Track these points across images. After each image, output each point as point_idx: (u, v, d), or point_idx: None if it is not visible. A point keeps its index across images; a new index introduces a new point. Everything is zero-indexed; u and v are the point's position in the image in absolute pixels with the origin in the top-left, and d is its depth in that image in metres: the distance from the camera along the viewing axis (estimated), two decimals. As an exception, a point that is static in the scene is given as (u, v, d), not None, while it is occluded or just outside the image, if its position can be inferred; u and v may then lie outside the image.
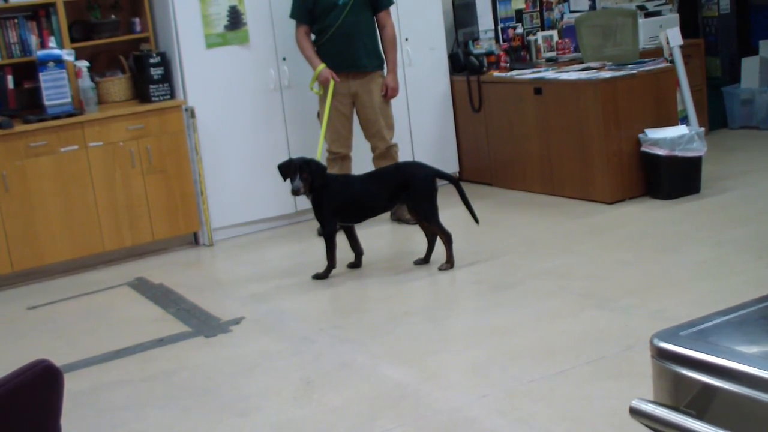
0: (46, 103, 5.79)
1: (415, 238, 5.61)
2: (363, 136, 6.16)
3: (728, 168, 6.65)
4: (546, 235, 5.65)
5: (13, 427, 2.04)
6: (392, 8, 6.13)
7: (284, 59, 6.39)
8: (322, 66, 5.93)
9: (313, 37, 6.05)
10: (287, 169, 5.14)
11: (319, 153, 5.71)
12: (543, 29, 7.74)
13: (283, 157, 5.85)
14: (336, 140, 6.06)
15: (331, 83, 5.90)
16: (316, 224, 5.79)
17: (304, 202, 6.44)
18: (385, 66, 6.09)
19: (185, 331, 4.65)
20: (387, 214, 6.01)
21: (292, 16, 6.04)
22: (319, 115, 6.11)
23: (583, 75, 6.34)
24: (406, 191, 5.20)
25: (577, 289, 4.59)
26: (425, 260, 5.28)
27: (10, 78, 5.98)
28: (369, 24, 6.01)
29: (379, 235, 6.05)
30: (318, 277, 5.22)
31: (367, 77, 6.02)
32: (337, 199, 5.19)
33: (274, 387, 3.84)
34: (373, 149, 6.14)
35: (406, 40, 6.81)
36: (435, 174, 5.28)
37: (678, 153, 5.94)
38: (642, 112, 6.15)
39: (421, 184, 5.19)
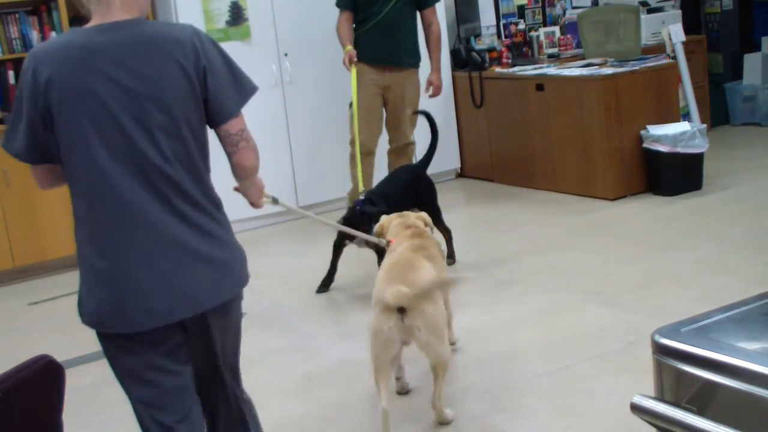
0: (48, 99, 5.77)
1: (416, 234, 5.60)
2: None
3: (730, 165, 6.64)
4: (547, 231, 5.65)
5: (15, 423, 2.04)
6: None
7: (286, 55, 6.38)
8: (348, 47, 5.73)
9: (354, 25, 5.88)
10: (359, 221, 4.56)
11: (357, 160, 5.44)
12: (545, 25, 7.74)
13: (284, 155, 5.84)
14: (365, 131, 5.77)
15: (353, 68, 5.69)
16: (317, 220, 5.74)
17: (306, 199, 6.45)
18: (419, 64, 5.97)
19: (187, 327, 4.63)
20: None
21: (337, 4, 5.89)
22: (351, 106, 5.86)
23: (585, 71, 6.34)
24: (417, 197, 5.11)
25: (578, 286, 4.59)
26: (426, 256, 5.25)
27: (11, 73, 5.97)
28: (411, 20, 5.91)
29: (381, 231, 6.03)
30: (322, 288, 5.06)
31: (403, 73, 5.90)
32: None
33: (275, 383, 3.84)
34: (391, 142, 6.06)
35: (408, 36, 6.79)
36: (424, 168, 5.24)
37: (680, 149, 5.94)
38: (644, 109, 6.14)
39: (425, 185, 5.17)
